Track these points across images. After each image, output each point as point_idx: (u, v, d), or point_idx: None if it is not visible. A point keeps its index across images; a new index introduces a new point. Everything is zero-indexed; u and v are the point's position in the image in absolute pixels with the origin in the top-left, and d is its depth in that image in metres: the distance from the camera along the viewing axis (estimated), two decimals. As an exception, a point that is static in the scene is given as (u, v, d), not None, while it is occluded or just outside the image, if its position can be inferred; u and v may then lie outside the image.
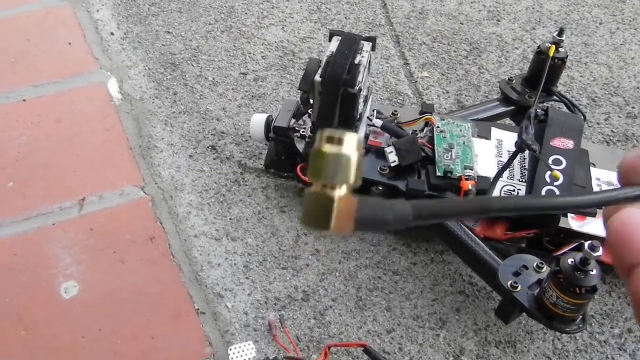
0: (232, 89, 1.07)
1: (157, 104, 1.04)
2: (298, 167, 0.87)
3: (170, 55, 1.12)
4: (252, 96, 1.06)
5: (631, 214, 0.27)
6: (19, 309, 0.80)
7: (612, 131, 1.06)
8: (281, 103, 1.02)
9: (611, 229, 0.27)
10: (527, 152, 0.86)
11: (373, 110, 0.90)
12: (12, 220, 0.88)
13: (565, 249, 0.82)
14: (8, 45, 1.12)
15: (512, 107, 0.98)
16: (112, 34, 1.15)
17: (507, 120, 1.00)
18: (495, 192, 0.82)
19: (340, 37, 0.84)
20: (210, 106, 1.04)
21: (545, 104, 0.96)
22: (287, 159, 0.91)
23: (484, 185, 0.81)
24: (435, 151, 0.85)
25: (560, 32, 0.92)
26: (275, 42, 1.15)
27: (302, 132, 0.87)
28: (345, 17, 1.21)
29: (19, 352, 0.76)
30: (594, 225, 0.83)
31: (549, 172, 0.81)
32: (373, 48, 0.85)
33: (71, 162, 0.95)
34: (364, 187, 0.85)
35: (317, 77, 0.81)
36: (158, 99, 1.04)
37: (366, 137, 0.88)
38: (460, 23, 1.22)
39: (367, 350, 0.75)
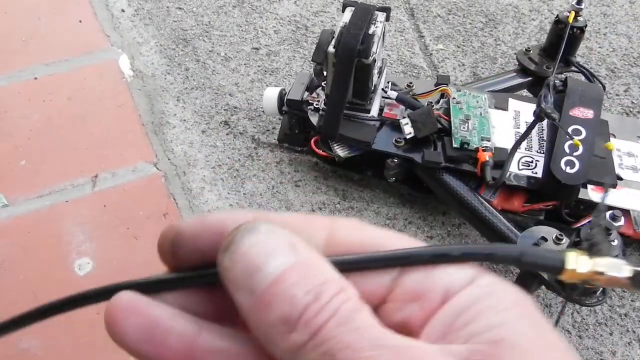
0: (245, 64, 1.05)
1: (169, 80, 1.03)
2: (312, 141, 0.86)
3: (181, 31, 1.10)
4: (265, 71, 1.04)
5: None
6: (33, 286, 0.79)
7: (632, 102, 1.04)
8: (294, 78, 1.01)
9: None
10: (545, 123, 0.84)
11: (388, 82, 0.88)
12: (25, 199, 0.87)
13: (585, 221, 0.81)
14: (18, 24, 1.11)
15: (530, 78, 0.96)
16: (122, 11, 1.14)
17: (525, 92, 0.98)
18: (513, 164, 0.80)
19: (353, 8, 0.82)
20: (222, 81, 1.03)
21: (563, 74, 0.95)
22: (300, 132, 0.90)
23: (502, 157, 0.80)
24: (452, 122, 0.83)
25: (579, 0, 0.90)
26: (287, 16, 1.14)
27: (316, 105, 0.86)
28: (359, -9, 1.19)
29: (33, 329, 0.76)
30: (614, 197, 0.81)
31: (568, 142, 0.79)
32: (387, 18, 0.84)
33: (83, 140, 0.95)
34: (379, 160, 0.84)
35: (331, 48, 0.79)
36: (170, 75, 1.03)
37: (381, 109, 0.87)
38: (476, -5, 1.20)
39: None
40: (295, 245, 0.24)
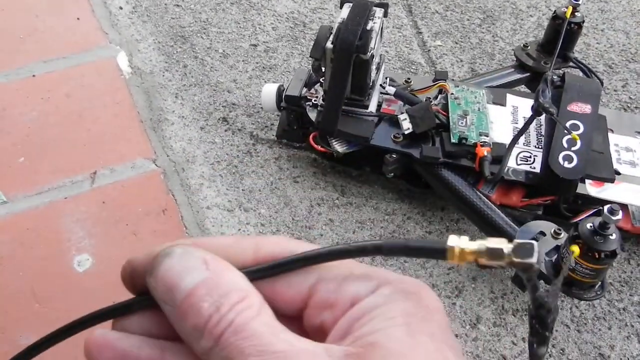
0: (243, 61, 1.05)
1: (168, 77, 1.03)
2: (310, 137, 0.86)
3: (179, 28, 1.10)
4: (263, 67, 1.04)
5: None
6: (32, 283, 0.79)
7: (630, 98, 1.04)
8: (292, 74, 1.01)
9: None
10: (543, 118, 0.84)
11: (386, 78, 0.88)
12: (24, 195, 0.87)
13: (584, 216, 0.81)
14: (16, 22, 1.11)
15: (528, 74, 0.96)
16: (120, 8, 1.13)
17: (523, 88, 0.99)
18: (512, 159, 0.81)
19: (351, 4, 0.83)
20: (220, 78, 1.03)
21: (561, 70, 0.95)
22: (299, 128, 0.90)
23: (500, 152, 0.80)
24: (450, 118, 0.83)
25: (577, -5, 0.90)
26: (285, 13, 1.14)
27: (314, 101, 0.86)
28: (356, -13, 1.19)
29: (32, 325, 0.76)
30: (612, 191, 0.81)
31: (566, 137, 0.79)
32: (385, 14, 0.84)
33: (82, 137, 0.94)
34: (377, 156, 0.84)
35: (329, 44, 0.79)
36: (168, 72, 1.03)
37: (379, 105, 0.87)
38: (474, -9, 1.20)
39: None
40: (208, 262, 0.28)
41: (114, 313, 0.30)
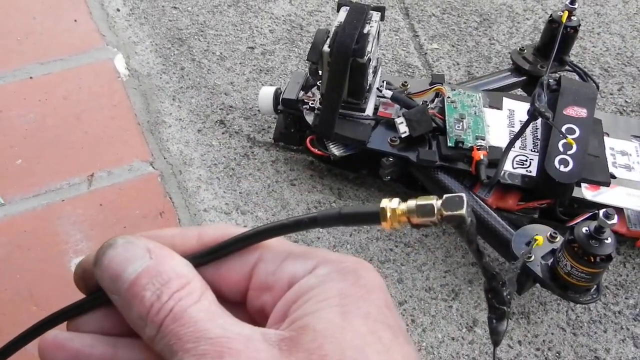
0: (240, 63, 1.06)
1: (165, 80, 1.03)
2: (307, 140, 0.86)
3: (177, 30, 1.11)
4: (260, 70, 1.05)
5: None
6: (29, 285, 0.79)
7: (626, 101, 1.04)
8: (289, 77, 1.01)
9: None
10: (539, 121, 0.84)
11: (383, 81, 0.89)
12: (22, 198, 0.87)
13: (579, 220, 0.81)
14: (14, 24, 1.11)
15: (524, 78, 0.96)
16: (118, 10, 1.14)
17: (519, 92, 0.99)
18: (508, 162, 0.81)
19: (348, 8, 0.83)
20: (218, 81, 1.03)
21: (557, 73, 0.95)
22: (296, 131, 0.91)
23: (496, 156, 0.80)
24: (446, 121, 0.84)
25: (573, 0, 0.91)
26: (282, 15, 1.14)
27: (311, 104, 0.86)
28: (354, -10, 1.20)
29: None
30: (608, 195, 0.81)
31: (562, 141, 0.79)
32: (382, 18, 0.84)
33: (79, 139, 0.95)
34: (374, 159, 0.84)
35: (326, 48, 0.79)
36: (165, 75, 1.04)
37: (376, 108, 0.87)
38: (470, -6, 1.21)
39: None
40: (151, 250, 0.28)
41: (65, 316, 0.31)
